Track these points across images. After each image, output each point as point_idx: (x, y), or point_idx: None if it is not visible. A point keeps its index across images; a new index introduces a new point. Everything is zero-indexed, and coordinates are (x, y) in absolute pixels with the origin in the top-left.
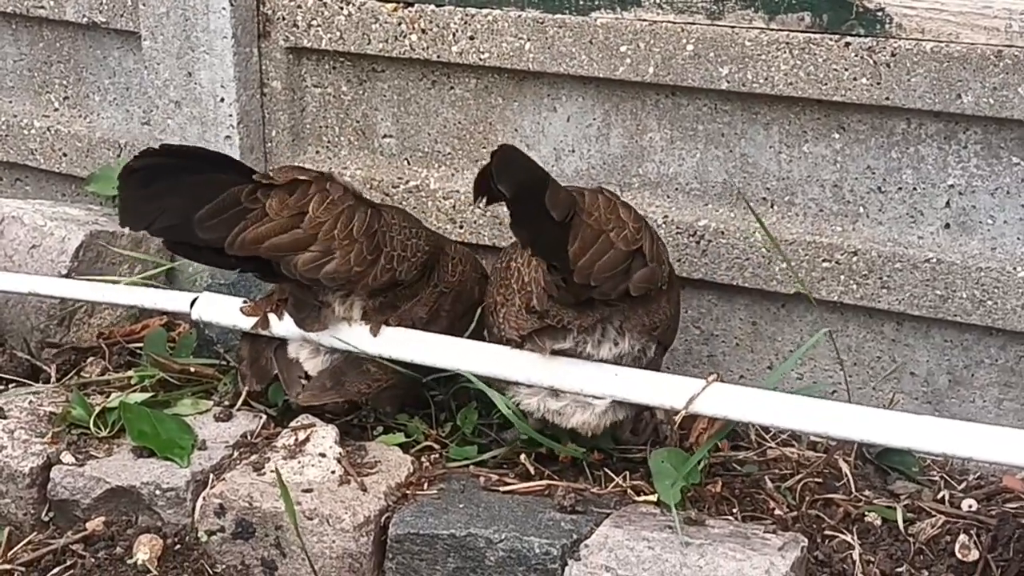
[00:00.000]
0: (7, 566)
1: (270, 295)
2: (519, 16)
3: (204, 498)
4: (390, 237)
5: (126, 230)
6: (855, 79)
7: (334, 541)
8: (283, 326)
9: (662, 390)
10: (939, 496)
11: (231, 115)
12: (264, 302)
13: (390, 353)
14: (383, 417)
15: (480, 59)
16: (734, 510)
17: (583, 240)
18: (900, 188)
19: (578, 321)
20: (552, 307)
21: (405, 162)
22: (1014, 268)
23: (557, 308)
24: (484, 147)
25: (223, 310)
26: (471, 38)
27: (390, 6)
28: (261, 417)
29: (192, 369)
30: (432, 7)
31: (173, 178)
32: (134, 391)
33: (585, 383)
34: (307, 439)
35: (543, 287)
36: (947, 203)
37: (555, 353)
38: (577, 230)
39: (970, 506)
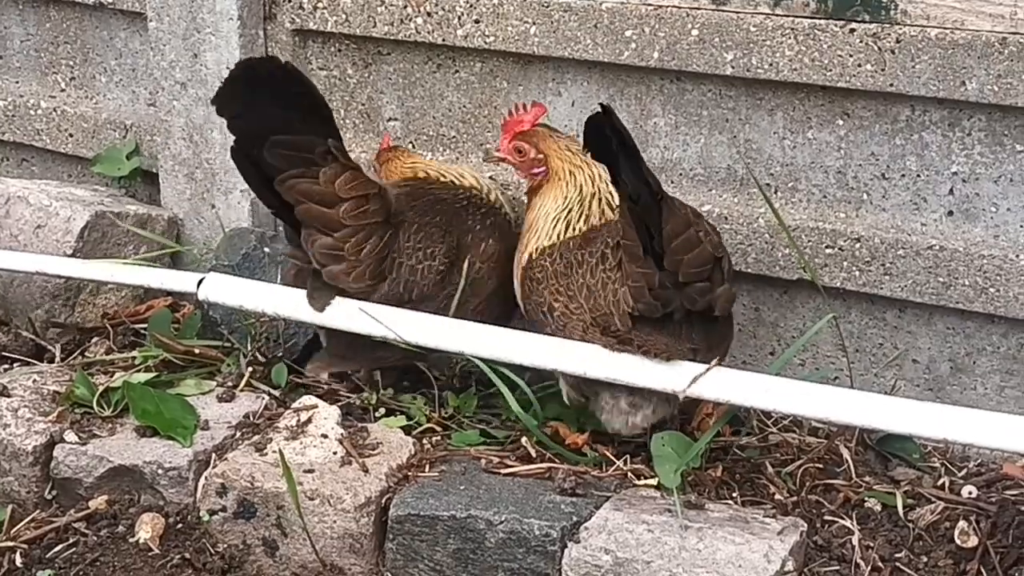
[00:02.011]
0: (10, 543)
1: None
2: (524, 0)
3: (206, 478)
4: (399, 263)
5: (132, 210)
6: (860, 65)
7: (335, 521)
8: None
9: (665, 374)
10: (939, 482)
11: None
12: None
13: (423, 341)
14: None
15: (485, 43)
16: (734, 494)
17: (675, 224)
18: (904, 175)
19: (667, 353)
20: (638, 334)
21: (410, 145)
22: (1017, 256)
23: (644, 335)
24: (489, 131)
25: (229, 291)
26: (476, 21)
27: None
28: (264, 398)
29: (196, 350)
30: None
31: (276, 95)
32: (138, 371)
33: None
34: (309, 420)
35: (626, 307)
36: (950, 190)
37: None
38: (669, 213)
39: (970, 492)
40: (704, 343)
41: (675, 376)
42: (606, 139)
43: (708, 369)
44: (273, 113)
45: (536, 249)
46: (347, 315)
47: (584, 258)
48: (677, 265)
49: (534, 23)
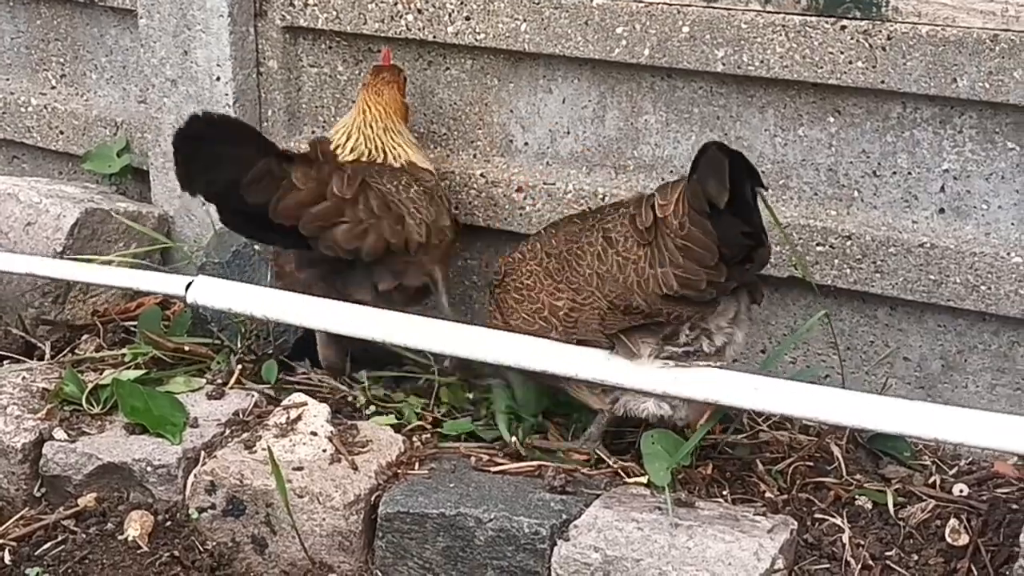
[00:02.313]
0: None
1: None
2: None
3: (195, 475)
4: (400, 200)
5: (122, 207)
6: (851, 62)
7: (324, 519)
8: None
9: (651, 375)
10: (930, 481)
11: (227, 94)
12: None
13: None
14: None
15: (476, 40)
16: (724, 492)
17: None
18: (895, 172)
19: (699, 313)
20: (668, 305)
21: None
22: (1008, 253)
23: (672, 305)
24: (479, 128)
25: (218, 293)
26: (467, 18)
27: None
28: (253, 395)
29: (186, 348)
30: None
31: (215, 148)
32: (127, 368)
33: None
34: (299, 417)
35: (660, 289)
36: (942, 188)
37: (667, 357)
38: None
39: (961, 491)
40: (747, 300)
41: (662, 377)
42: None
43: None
44: (224, 169)
45: (505, 261)
46: (336, 320)
47: (585, 248)
48: (758, 267)
49: (525, 20)
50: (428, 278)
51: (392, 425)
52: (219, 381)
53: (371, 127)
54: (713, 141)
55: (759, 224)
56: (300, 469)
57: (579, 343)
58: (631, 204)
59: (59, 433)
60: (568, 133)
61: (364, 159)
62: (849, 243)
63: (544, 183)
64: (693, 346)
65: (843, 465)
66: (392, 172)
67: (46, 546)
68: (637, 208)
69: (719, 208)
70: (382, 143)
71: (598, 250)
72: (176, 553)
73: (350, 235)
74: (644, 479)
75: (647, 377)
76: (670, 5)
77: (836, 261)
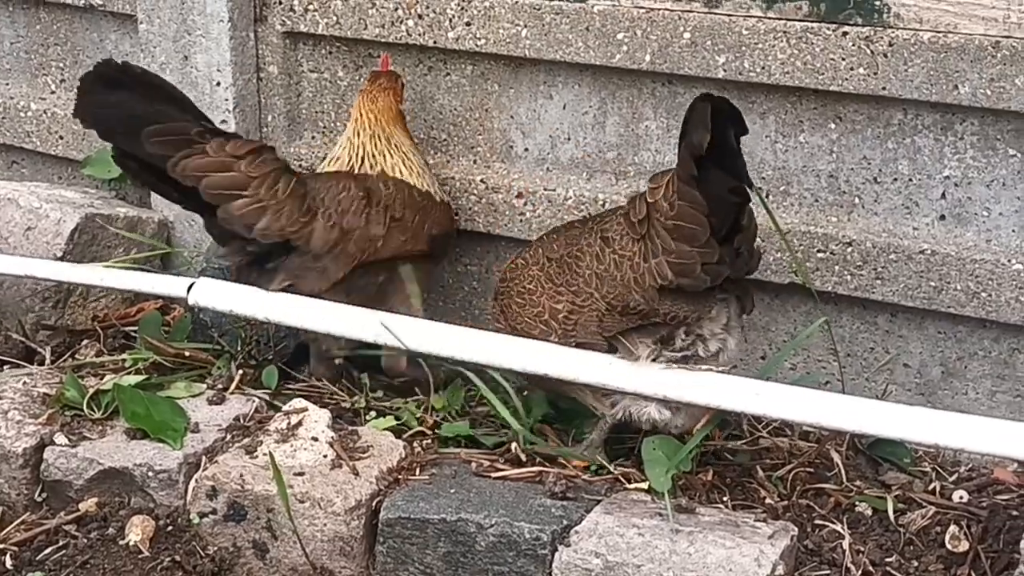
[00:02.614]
0: (0, 546)
1: None
2: (516, 2)
3: (196, 480)
4: (321, 198)
5: (122, 212)
6: (852, 69)
7: (325, 524)
8: None
9: (653, 379)
10: (930, 487)
11: (227, 99)
12: None
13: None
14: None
15: (477, 45)
16: (725, 498)
17: (750, 213)
18: (896, 179)
19: (695, 313)
20: (665, 303)
21: None
22: (1008, 260)
23: (670, 304)
24: (479, 134)
25: (219, 295)
26: (468, 24)
27: None
28: (254, 401)
29: (186, 353)
30: None
31: (133, 94)
32: (128, 374)
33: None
34: (300, 423)
35: (656, 281)
36: (943, 194)
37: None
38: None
39: (961, 497)
40: (738, 306)
41: (664, 382)
42: (723, 126)
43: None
44: (135, 111)
45: (507, 266)
46: (335, 318)
47: (584, 250)
48: (745, 238)
49: (525, 25)
50: (328, 285)
51: (392, 430)
52: (220, 386)
53: (358, 135)
54: (703, 94)
55: (743, 172)
56: (301, 474)
57: (578, 346)
58: (628, 204)
59: (60, 438)
60: (569, 139)
61: (344, 168)
62: (850, 249)
63: (544, 189)
64: (689, 351)
65: (843, 471)
66: (344, 176)
67: (47, 551)
68: (631, 204)
69: (704, 165)
70: (365, 151)
71: (596, 250)
72: (177, 558)
73: (246, 209)
74: (645, 485)
75: (649, 381)
76: (671, 11)
77: (837, 267)
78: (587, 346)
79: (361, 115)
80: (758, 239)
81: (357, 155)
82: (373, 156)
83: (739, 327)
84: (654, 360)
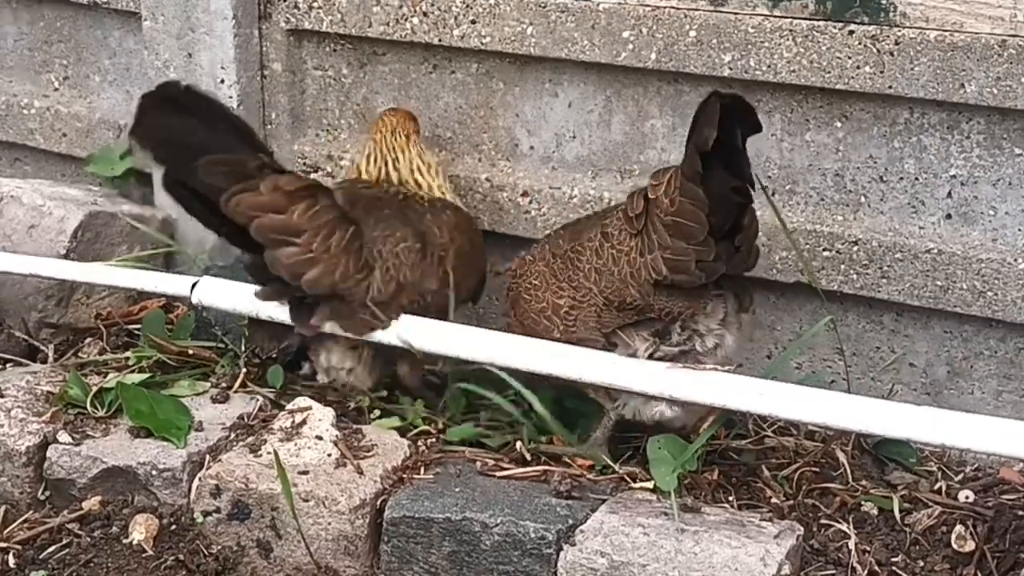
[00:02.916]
0: (3, 544)
1: None
2: (521, 0)
3: (200, 479)
4: (378, 251)
5: (126, 210)
6: (858, 67)
7: (330, 523)
8: None
9: (657, 377)
10: (936, 487)
11: (231, 97)
12: None
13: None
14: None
15: (482, 43)
16: (730, 498)
17: (751, 213)
18: (902, 178)
19: (689, 309)
20: (659, 299)
21: None
22: (1015, 259)
23: (664, 299)
24: (485, 132)
25: (223, 294)
26: (473, 22)
27: None
28: (258, 399)
29: (190, 351)
30: None
31: (194, 119)
32: (131, 372)
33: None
34: (304, 422)
35: (651, 276)
36: (949, 193)
37: (661, 357)
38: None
39: (967, 497)
40: (735, 302)
41: (669, 380)
42: (731, 125)
43: (704, 374)
44: (194, 137)
45: (518, 263)
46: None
47: (585, 245)
48: (746, 237)
49: (531, 23)
50: (369, 332)
51: (397, 428)
52: (224, 385)
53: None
54: (715, 91)
55: (748, 174)
56: (305, 473)
57: (578, 342)
58: (627, 199)
59: (63, 436)
60: (574, 137)
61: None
62: (856, 248)
63: (550, 187)
64: (686, 345)
65: (849, 471)
66: (398, 221)
67: (50, 549)
68: (630, 199)
69: (708, 163)
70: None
71: (596, 246)
72: (181, 557)
73: (296, 259)
74: (650, 484)
75: (655, 381)
76: (677, 9)
77: (843, 266)
78: (586, 342)
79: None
80: (762, 237)
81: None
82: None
83: (737, 324)
84: (651, 355)
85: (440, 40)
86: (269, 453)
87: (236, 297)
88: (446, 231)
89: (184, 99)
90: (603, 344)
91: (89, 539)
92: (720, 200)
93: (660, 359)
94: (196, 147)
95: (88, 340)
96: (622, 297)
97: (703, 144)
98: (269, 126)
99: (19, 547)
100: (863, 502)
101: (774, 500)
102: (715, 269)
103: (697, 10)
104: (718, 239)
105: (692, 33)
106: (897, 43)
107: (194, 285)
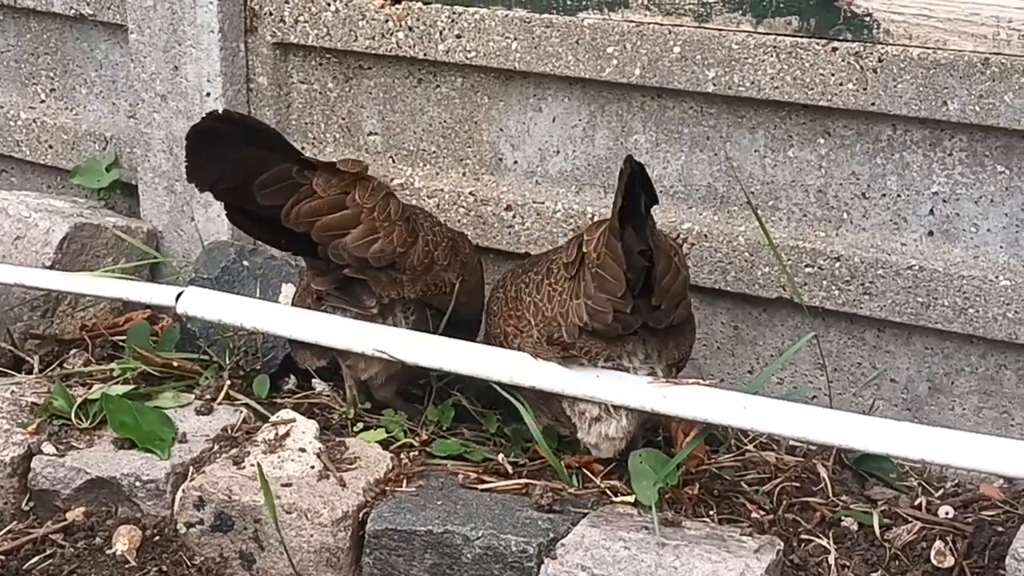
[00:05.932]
0: None
1: None
2: (506, 15)
3: (184, 490)
4: (421, 223)
5: (111, 222)
6: (841, 84)
7: (312, 535)
8: None
9: (640, 391)
10: (916, 502)
11: (217, 110)
12: None
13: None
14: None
15: (467, 58)
16: (711, 512)
17: (664, 264)
18: (884, 194)
19: (607, 351)
20: (582, 340)
21: (390, 160)
22: (996, 277)
23: (586, 340)
24: (469, 146)
25: (208, 305)
26: (458, 36)
27: (377, 3)
28: (242, 411)
29: (174, 363)
30: (419, 5)
31: (231, 147)
32: (116, 383)
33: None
34: (287, 434)
35: (577, 320)
36: (931, 210)
37: None
38: (658, 252)
39: (947, 513)
40: (656, 351)
41: (650, 394)
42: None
43: (685, 388)
44: (239, 166)
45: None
46: (338, 333)
47: (531, 278)
48: (663, 297)
49: (516, 38)
50: (397, 295)
51: (380, 441)
52: (208, 397)
53: None
54: (627, 156)
55: (647, 239)
56: (288, 485)
57: None
58: (567, 243)
59: (48, 447)
60: (558, 152)
61: None
62: (838, 264)
63: (533, 202)
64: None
65: (829, 486)
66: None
67: (34, 560)
68: (568, 244)
69: (628, 224)
70: None
71: (539, 280)
72: (164, 568)
73: (361, 241)
74: (631, 499)
75: (635, 395)
76: (661, 25)
77: (824, 282)
78: None
79: None
80: (744, 252)
81: None
82: None
83: (663, 364)
84: None
85: (425, 54)
86: (252, 465)
87: (221, 308)
88: (468, 247)
89: (223, 126)
90: None
91: (73, 550)
92: (631, 261)
93: None
94: (247, 172)
95: (73, 351)
96: (550, 333)
97: (615, 208)
98: None
99: (3, 557)
100: (843, 517)
101: (755, 515)
102: (630, 323)
103: (681, 26)
104: (635, 295)
105: (676, 49)
106: (880, 60)
107: (179, 296)
